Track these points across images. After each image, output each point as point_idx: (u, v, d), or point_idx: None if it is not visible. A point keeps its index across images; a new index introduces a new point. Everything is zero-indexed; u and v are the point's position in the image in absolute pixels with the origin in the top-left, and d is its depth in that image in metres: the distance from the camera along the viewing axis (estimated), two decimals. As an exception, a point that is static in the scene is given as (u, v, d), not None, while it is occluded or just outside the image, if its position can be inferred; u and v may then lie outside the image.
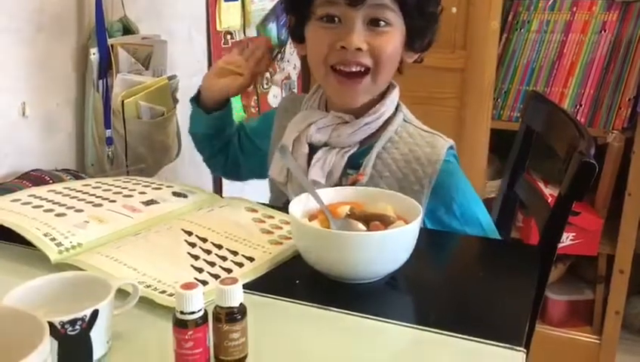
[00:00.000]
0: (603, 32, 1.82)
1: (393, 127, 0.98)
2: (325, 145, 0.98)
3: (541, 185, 1.86)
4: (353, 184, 0.95)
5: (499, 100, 1.92)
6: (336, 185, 0.96)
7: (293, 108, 1.06)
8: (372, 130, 0.98)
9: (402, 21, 0.94)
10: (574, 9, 1.85)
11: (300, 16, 0.97)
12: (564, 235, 1.80)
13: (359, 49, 0.91)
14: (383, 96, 0.99)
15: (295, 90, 1.96)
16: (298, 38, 1.01)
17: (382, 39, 0.92)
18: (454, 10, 1.80)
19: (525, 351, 0.64)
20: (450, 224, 0.97)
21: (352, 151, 0.97)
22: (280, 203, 1.03)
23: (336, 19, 0.92)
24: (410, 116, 1.02)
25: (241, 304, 0.58)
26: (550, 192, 1.79)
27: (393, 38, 0.93)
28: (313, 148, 0.98)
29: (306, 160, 0.98)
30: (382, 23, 0.92)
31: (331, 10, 0.91)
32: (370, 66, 0.93)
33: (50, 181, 1.05)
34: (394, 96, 1.00)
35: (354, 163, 0.97)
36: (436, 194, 0.96)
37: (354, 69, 0.93)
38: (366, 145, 0.98)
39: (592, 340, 1.92)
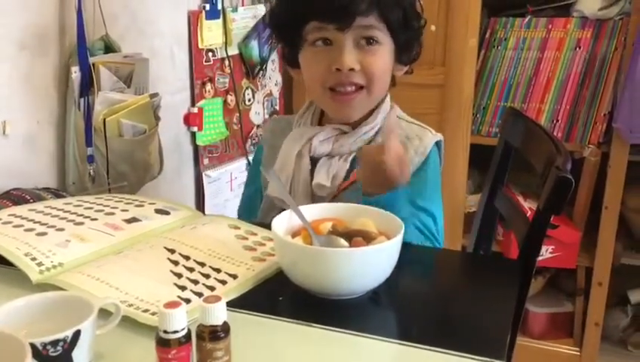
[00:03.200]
0: (578, 48, 1.86)
1: (386, 121, 1.04)
2: (327, 155, 1.03)
3: (520, 198, 1.88)
4: (352, 183, 0.99)
5: (478, 116, 1.94)
6: (339, 187, 1.00)
7: (280, 129, 1.10)
8: (369, 137, 1.03)
9: (390, 38, 0.99)
10: (550, 27, 1.89)
11: (293, 44, 1.02)
12: (544, 248, 1.82)
13: (352, 69, 0.96)
14: (377, 105, 1.04)
15: (277, 107, 1.97)
16: (292, 64, 1.06)
17: (373, 57, 0.97)
18: (433, 27, 1.84)
19: (506, 364, 0.65)
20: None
21: (352, 156, 1.02)
22: (269, 219, 1.05)
23: (328, 41, 0.97)
24: (403, 114, 1.08)
25: (224, 322, 0.59)
26: (529, 206, 1.82)
27: (383, 55, 0.99)
28: (313, 161, 1.03)
29: (308, 171, 1.02)
30: (371, 41, 0.97)
31: (322, 34, 0.97)
32: (364, 84, 0.98)
33: (31, 200, 1.05)
34: (386, 105, 1.06)
35: (355, 165, 1.02)
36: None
37: (349, 89, 0.98)
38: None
39: (573, 352, 1.94)
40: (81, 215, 0.95)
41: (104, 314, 0.65)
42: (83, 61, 1.20)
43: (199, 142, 1.65)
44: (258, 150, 1.19)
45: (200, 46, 1.61)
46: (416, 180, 0.98)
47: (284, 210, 1.02)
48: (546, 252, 1.84)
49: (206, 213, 1.15)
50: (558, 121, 1.87)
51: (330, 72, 0.97)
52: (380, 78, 0.99)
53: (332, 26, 0.94)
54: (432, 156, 1.02)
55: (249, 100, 1.85)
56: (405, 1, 0.98)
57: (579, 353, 1.93)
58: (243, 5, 1.75)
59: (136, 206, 1.01)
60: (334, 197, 1.00)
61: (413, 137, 1.02)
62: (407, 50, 1.02)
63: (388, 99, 1.06)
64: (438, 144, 1.04)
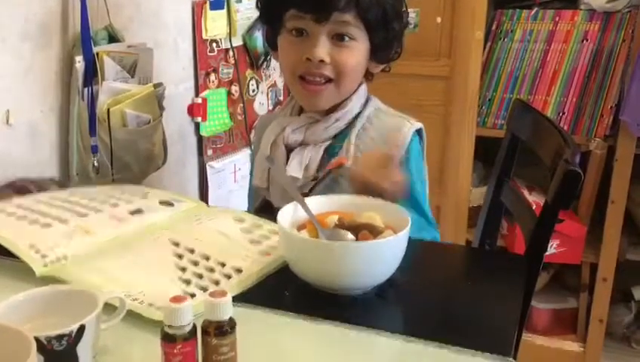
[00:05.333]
0: (585, 41, 1.85)
1: (365, 113, 1.04)
2: (301, 144, 1.04)
3: (525, 192, 1.87)
4: (339, 167, 1.00)
5: (483, 108, 1.93)
6: (314, 179, 1.01)
7: (266, 123, 1.11)
8: (343, 125, 1.03)
9: (366, 36, 0.99)
10: (557, 19, 1.87)
11: (274, 28, 1.04)
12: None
13: (322, 61, 0.97)
14: (350, 95, 1.04)
15: (281, 98, 1.96)
16: (273, 46, 1.08)
17: (345, 53, 0.98)
18: (439, 19, 1.82)
19: (514, 360, 0.64)
20: None
21: (326, 145, 1.03)
22: (257, 205, 1.10)
23: (304, 32, 0.98)
24: (382, 106, 1.08)
25: (230, 317, 0.58)
26: (534, 200, 1.81)
27: (356, 52, 0.99)
28: (289, 150, 1.04)
29: (284, 160, 1.03)
30: (346, 38, 0.98)
31: (299, 23, 0.98)
32: (333, 78, 0.99)
33: (35, 190, 1.04)
34: (360, 93, 1.05)
35: (330, 154, 1.02)
36: None
37: (317, 79, 0.99)
38: (338, 137, 1.04)
39: (577, 348, 1.94)
40: (86, 206, 0.94)
41: (108, 308, 0.64)
42: (87, 51, 1.19)
43: (203, 133, 1.64)
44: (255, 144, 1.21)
45: (204, 36, 1.60)
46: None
47: (269, 201, 1.05)
48: (551, 247, 1.83)
49: (210, 204, 1.14)
50: (564, 113, 1.85)
51: (302, 61, 0.98)
52: (350, 73, 1.00)
53: (309, 17, 0.96)
54: (412, 146, 1.02)
55: (253, 91, 1.84)
56: (386, 2, 0.98)
57: (583, 349, 1.92)
58: (248, -5, 1.73)
59: (141, 197, 1.00)
60: (311, 190, 1.01)
61: (391, 128, 1.02)
62: (383, 49, 1.02)
63: (363, 89, 1.06)
64: (419, 132, 1.04)
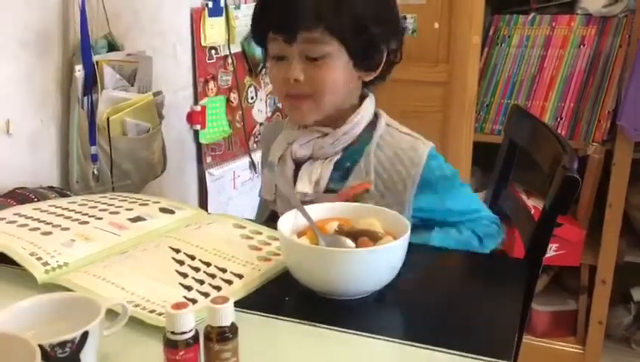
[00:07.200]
0: (582, 46, 1.86)
1: (378, 131, 1.03)
2: (309, 158, 1.03)
3: (523, 196, 1.88)
4: (363, 192, 0.99)
5: (481, 113, 1.94)
6: (325, 192, 1.00)
7: (273, 135, 1.11)
8: (351, 138, 1.02)
9: (342, 47, 0.96)
10: (554, 24, 1.89)
11: (265, 52, 1.05)
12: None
13: (297, 80, 0.97)
14: (356, 107, 1.04)
15: (279, 105, 1.97)
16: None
17: (320, 71, 0.97)
18: (436, 25, 1.83)
19: (514, 365, 0.65)
20: (444, 209, 1.02)
21: (335, 159, 1.02)
22: (262, 220, 1.09)
23: (284, 58, 0.98)
24: (391, 121, 1.07)
25: (232, 323, 0.58)
26: (533, 204, 1.81)
27: (332, 68, 0.97)
28: (298, 165, 1.03)
29: (292, 175, 1.03)
30: (317, 56, 0.96)
31: (276, 48, 0.99)
32: (311, 94, 0.99)
33: (35, 199, 1.04)
34: (367, 105, 1.04)
35: (339, 168, 1.02)
36: (426, 190, 1.00)
37: (299, 95, 0.99)
38: (348, 151, 1.02)
39: (576, 350, 1.94)
40: (86, 214, 0.95)
41: (111, 314, 0.65)
42: (86, 59, 1.19)
43: (202, 141, 1.65)
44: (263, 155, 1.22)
45: (203, 44, 1.60)
46: (429, 189, 0.99)
47: (276, 212, 1.05)
48: (550, 250, 1.83)
49: (209, 211, 1.15)
50: (561, 118, 1.86)
51: (284, 82, 0.99)
52: (329, 88, 0.98)
53: (280, 38, 0.97)
54: (433, 161, 1.01)
55: (252, 98, 1.84)
56: (355, 9, 0.95)
57: (582, 351, 1.93)
58: (246, 2, 1.74)
59: (141, 205, 1.00)
60: None
61: (406, 148, 1.01)
62: (364, 57, 0.99)
63: (369, 102, 1.04)
64: (433, 150, 1.03)
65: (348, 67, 0.98)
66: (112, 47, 1.28)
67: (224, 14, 1.65)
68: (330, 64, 0.97)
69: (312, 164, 1.02)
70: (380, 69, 1.01)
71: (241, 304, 0.73)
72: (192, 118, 1.61)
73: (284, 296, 0.78)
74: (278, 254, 0.85)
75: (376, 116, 1.05)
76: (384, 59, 1.01)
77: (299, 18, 0.94)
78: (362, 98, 1.04)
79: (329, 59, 0.97)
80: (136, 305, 0.71)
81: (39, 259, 0.80)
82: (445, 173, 1.02)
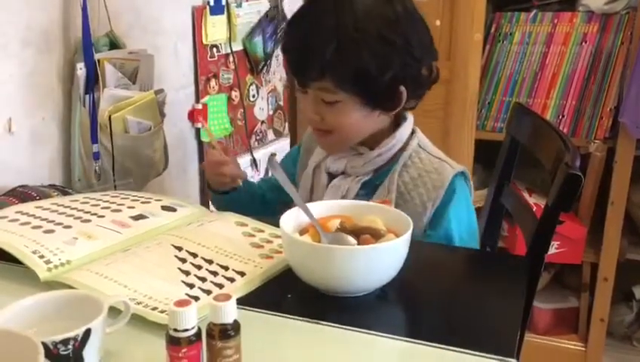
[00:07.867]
0: (584, 43, 1.86)
1: (407, 152, 1.03)
2: (343, 173, 1.06)
3: (525, 194, 1.88)
4: None
5: (483, 111, 1.94)
6: None
7: (315, 144, 1.12)
8: (383, 161, 1.03)
9: (354, 92, 0.96)
10: (555, 21, 1.88)
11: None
12: (549, 244, 1.81)
13: (313, 119, 1.01)
14: (394, 129, 1.04)
15: (281, 103, 1.97)
16: None
17: (335, 113, 0.99)
18: (438, 22, 1.83)
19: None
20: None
21: (365, 179, 1.04)
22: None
23: (307, 92, 1.01)
24: (425, 142, 1.06)
25: (234, 320, 0.58)
26: (535, 202, 1.81)
27: (346, 112, 0.98)
28: (332, 177, 1.07)
29: (325, 186, 1.07)
30: (328, 101, 0.98)
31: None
32: (332, 131, 1.01)
33: (37, 197, 1.04)
34: (404, 129, 1.04)
35: (366, 188, 1.03)
36: (435, 218, 1.00)
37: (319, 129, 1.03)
38: (379, 172, 1.04)
39: (578, 347, 1.94)
40: (88, 212, 0.95)
41: (113, 312, 0.65)
42: (88, 57, 1.19)
43: (204, 139, 1.65)
44: (295, 148, 1.24)
45: (204, 42, 1.60)
46: (444, 213, 0.98)
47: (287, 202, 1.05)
48: (551, 247, 1.83)
49: (211, 209, 1.15)
50: (563, 116, 1.86)
51: (308, 116, 1.03)
52: (347, 129, 1.00)
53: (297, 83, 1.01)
54: (458, 188, 0.99)
55: (253, 96, 1.84)
56: (361, 61, 0.92)
57: (584, 348, 1.93)
58: (247, 1, 1.74)
59: (143, 202, 1.01)
60: None
61: (430, 170, 1.01)
62: (378, 101, 0.98)
63: (407, 125, 1.04)
64: (464, 175, 1.02)
65: (360, 109, 0.98)
66: (114, 45, 1.28)
67: (225, 12, 1.65)
68: (344, 108, 0.98)
69: (342, 179, 1.04)
70: (402, 104, 0.99)
71: (244, 301, 0.73)
72: (193, 116, 1.61)
73: (287, 293, 0.78)
74: (280, 252, 0.85)
75: (411, 134, 1.05)
76: (404, 97, 0.98)
77: (307, 71, 0.97)
78: (401, 118, 1.04)
79: (342, 105, 0.98)
80: (139, 303, 0.71)
81: (41, 256, 0.80)
82: (454, 211, 0.99)
